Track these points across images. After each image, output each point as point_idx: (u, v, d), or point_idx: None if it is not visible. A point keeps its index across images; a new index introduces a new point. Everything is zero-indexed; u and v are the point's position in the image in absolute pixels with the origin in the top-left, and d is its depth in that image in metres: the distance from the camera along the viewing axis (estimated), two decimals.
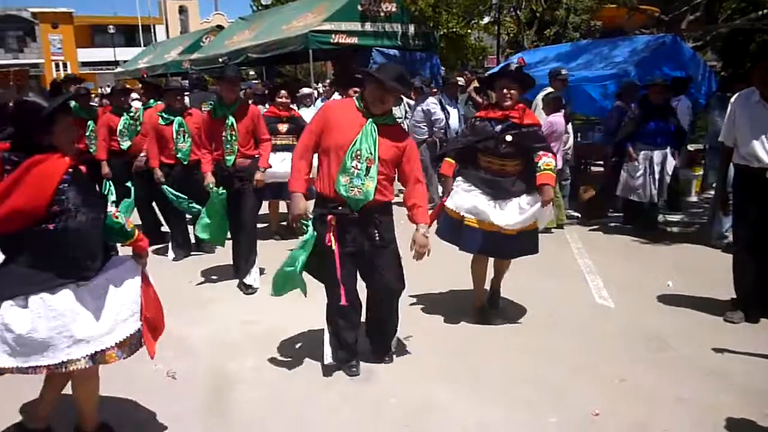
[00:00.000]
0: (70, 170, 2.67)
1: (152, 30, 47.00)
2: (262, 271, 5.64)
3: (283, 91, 7.50)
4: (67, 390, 3.04)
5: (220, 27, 25.92)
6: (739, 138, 4.62)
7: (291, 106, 7.62)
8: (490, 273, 4.96)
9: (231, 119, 5.42)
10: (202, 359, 4.21)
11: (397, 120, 4.31)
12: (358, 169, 3.59)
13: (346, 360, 3.94)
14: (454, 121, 9.45)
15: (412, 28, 15.13)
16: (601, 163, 8.75)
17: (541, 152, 4.52)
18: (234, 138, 5.44)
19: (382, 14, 14.65)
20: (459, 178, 4.67)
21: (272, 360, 4.17)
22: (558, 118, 7.47)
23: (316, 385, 3.84)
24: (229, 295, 5.50)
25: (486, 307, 4.91)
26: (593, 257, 6.47)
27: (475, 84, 10.19)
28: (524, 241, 4.63)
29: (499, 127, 4.50)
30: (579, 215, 8.24)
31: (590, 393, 3.67)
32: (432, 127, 8.95)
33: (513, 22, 19.57)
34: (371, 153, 3.61)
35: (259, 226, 6.21)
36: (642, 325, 4.69)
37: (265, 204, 7.25)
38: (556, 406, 3.53)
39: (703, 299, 5.19)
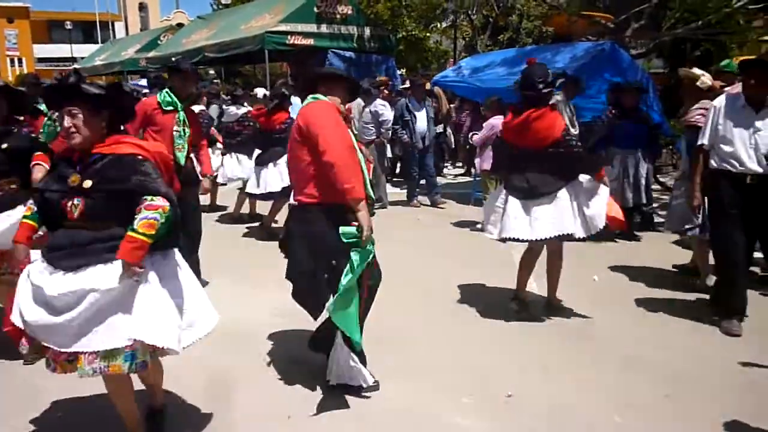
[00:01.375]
0: None
1: (111, 27, 46.40)
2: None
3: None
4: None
5: (180, 25, 25.83)
6: (722, 142, 4.59)
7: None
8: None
9: (182, 114, 5.21)
10: None
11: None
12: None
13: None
14: (422, 124, 9.44)
15: (368, 31, 15.35)
16: None
17: None
18: (186, 134, 5.21)
19: (338, 16, 14.85)
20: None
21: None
22: (499, 120, 7.73)
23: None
24: None
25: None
26: None
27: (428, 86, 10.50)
28: None
29: None
30: None
31: (508, 377, 3.92)
32: (380, 128, 9.17)
33: (469, 27, 19.94)
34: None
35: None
36: (565, 317, 4.97)
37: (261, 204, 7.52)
38: (472, 388, 3.77)
39: (625, 293, 5.52)
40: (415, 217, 9.03)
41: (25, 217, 3.04)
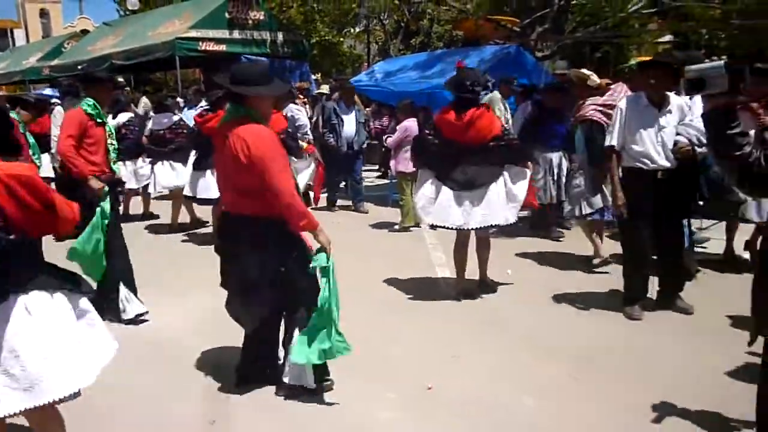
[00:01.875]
0: None
1: (9, 34, 44.23)
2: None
3: None
4: None
5: (85, 32, 24.93)
6: (631, 141, 4.78)
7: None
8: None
9: (110, 126, 5.15)
10: None
11: None
12: None
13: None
14: (350, 128, 9.29)
15: (281, 36, 15.34)
16: None
17: None
18: (116, 147, 5.14)
19: (250, 22, 14.78)
20: None
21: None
22: (412, 123, 7.94)
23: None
24: None
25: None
26: (446, 251, 6.94)
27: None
28: None
29: None
30: None
31: (427, 370, 4.07)
32: (296, 132, 9.18)
33: (382, 32, 20.22)
34: None
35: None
36: (480, 309, 5.18)
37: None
38: (394, 382, 3.89)
39: (538, 284, 5.79)
40: (335, 220, 9.11)
41: None
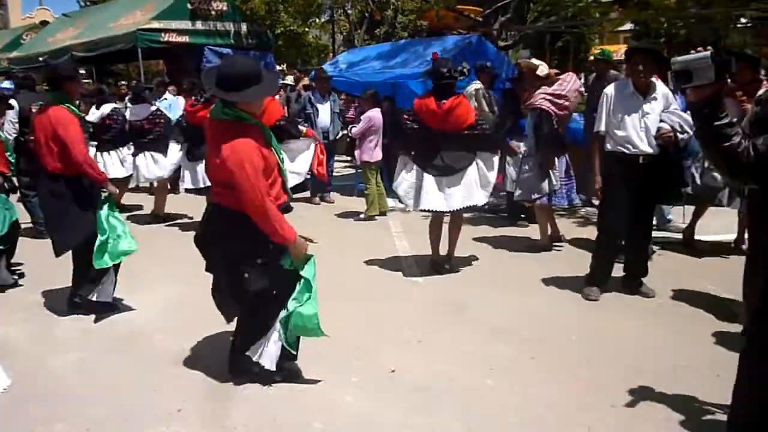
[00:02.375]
0: None
1: None
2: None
3: None
4: None
5: (44, 23, 24.47)
6: (615, 126, 4.91)
7: None
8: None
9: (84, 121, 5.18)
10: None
11: None
12: (285, 170, 3.61)
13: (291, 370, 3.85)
14: (324, 118, 9.17)
15: (244, 27, 15.27)
16: None
17: None
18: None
19: (213, 13, 14.71)
20: None
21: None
22: (376, 113, 8.02)
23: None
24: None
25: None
26: (410, 240, 7.05)
27: (305, 81, 10.53)
28: None
29: None
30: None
31: (390, 354, 4.17)
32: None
33: (346, 22, 20.21)
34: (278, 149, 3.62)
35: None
36: (442, 295, 5.30)
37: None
38: (359, 367, 3.99)
39: (500, 270, 5.94)
40: (299, 214, 9.15)
41: None
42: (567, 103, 6.19)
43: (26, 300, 5.37)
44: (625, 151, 4.89)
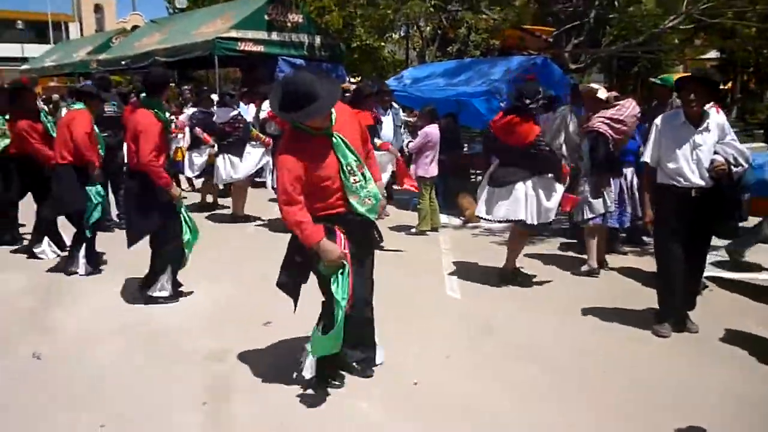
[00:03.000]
0: None
1: (64, 27, 45.66)
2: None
3: None
4: None
5: (135, 28, 25.69)
6: (666, 158, 4.78)
7: None
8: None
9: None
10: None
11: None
12: (358, 181, 3.61)
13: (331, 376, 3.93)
14: (388, 130, 8.85)
15: (318, 39, 15.63)
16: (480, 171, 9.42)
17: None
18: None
19: (288, 24, 15.11)
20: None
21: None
22: (433, 129, 8.08)
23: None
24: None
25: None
26: (458, 257, 7.06)
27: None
28: None
29: None
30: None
31: (416, 368, 4.20)
32: None
33: (420, 38, 20.38)
34: (357, 159, 3.61)
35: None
36: (479, 313, 5.28)
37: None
38: (381, 378, 4.03)
39: (543, 292, 5.90)
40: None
41: None
42: (624, 128, 6.11)
43: (96, 287, 5.78)
44: (676, 183, 4.75)
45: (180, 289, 5.49)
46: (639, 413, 3.64)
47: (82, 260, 6.10)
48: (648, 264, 6.35)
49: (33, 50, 38.62)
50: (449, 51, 17.78)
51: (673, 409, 3.70)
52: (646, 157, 4.92)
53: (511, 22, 12.43)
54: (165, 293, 5.34)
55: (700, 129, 4.69)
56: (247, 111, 10.15)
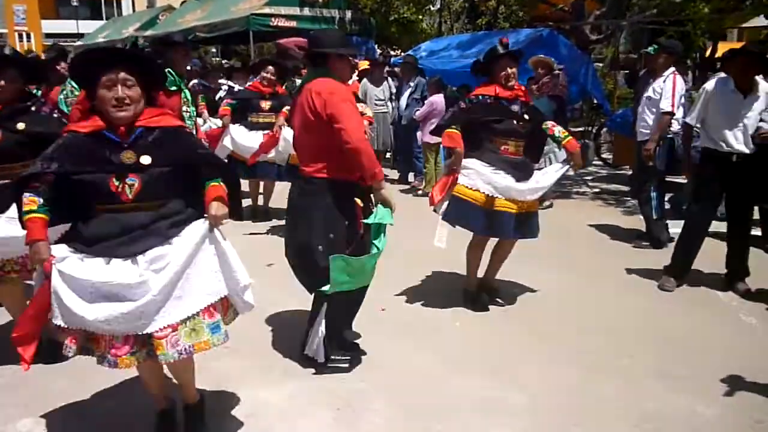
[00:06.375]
0: None
1: (116, 4, 47.18)
2: None
3: (270, 67, 7.14)
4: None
5: (184, 3, 26.57)
6: (711, 122, 4.87)
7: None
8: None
9: (186, 92, 5.04)
10: None
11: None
12: None
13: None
14: (403, 101, 9.63)
15: (349, 14, 16.24)
16: None
17: (550, 124, 4.68)
18: (194, 114, 5.08)
19: (320, 0, 15.72)
20: (475, 161, 4.51)
21: None
22: (438, 98, 8.69)
23: None
24: None
25: (476, 292, 4.91)
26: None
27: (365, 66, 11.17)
28: (525, 224, 4.62)
29: (516, 107, 4.52)
30: None
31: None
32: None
33: (448, 12, 20.70)
34: None
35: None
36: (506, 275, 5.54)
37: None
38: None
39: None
40: None
41: (31, 211, 2.55)
42: None
43: None
44: (717, 148, 4.87)
45: None
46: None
47: None
48: None
49: (88, 26, 40.18)
50: (479, 23, 18.11)
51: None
52: (690, 119, 5.06)
53: None
54: None
55: (749, 97, 4.82)
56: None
